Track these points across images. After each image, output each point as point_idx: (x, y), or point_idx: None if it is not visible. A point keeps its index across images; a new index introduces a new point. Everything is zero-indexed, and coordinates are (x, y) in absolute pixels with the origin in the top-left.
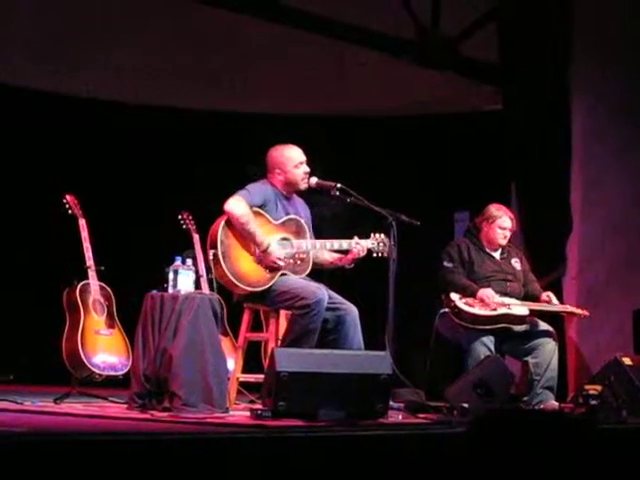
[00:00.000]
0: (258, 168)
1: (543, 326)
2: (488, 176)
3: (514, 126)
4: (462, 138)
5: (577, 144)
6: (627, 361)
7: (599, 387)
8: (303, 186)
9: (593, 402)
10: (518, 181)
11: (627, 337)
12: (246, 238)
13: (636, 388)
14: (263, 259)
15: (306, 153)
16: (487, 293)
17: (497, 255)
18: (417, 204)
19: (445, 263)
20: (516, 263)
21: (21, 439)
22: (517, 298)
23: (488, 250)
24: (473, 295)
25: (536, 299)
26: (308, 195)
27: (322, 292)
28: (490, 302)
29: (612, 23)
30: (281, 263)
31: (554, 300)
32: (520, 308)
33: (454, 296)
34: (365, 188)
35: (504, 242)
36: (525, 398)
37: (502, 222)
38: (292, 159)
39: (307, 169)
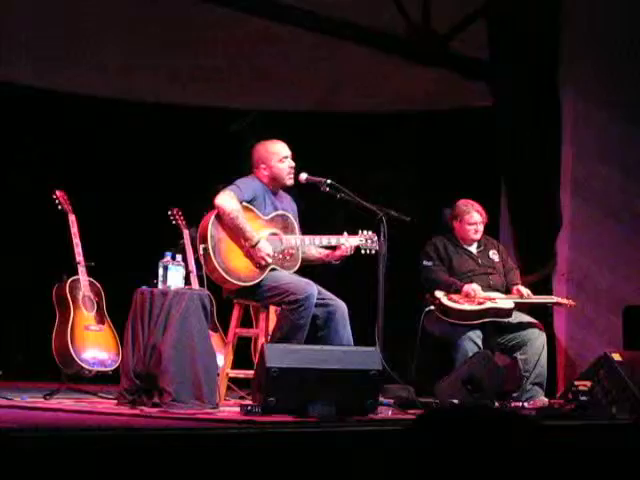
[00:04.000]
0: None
1: (530, 320)
2: (478, 172)
3: (504, 122)
4: (452, 134)
5: (566, 141)
6: (617, 357)
7: (589, 383)
8: (289, 182)
9: (583, 398)
10: (507, 177)
11: (617, 333)
12: (236, 233)
13: (625, 384)
14: (253, 254)
15: (297, 149)
16: (472, 287)
17: (474, 249)
18: (408, 200)
19: (425, 262)
20: (494, 255)
21: (11, 435)
22: (500, 290)
23: (465, 246)
24: (458, 291)
25: (509, 291)
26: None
27: (312, 288)
28: (475, 297)
29: (602, 20)
30: (269, 260)
31: (525, 293)
32: (506, 301)
33: (439, 294)
34: (355, 184)
35: (477, 236)
36: (514, 394)
37: (470, 218)
38: (277, 153)
39: (292, 163)
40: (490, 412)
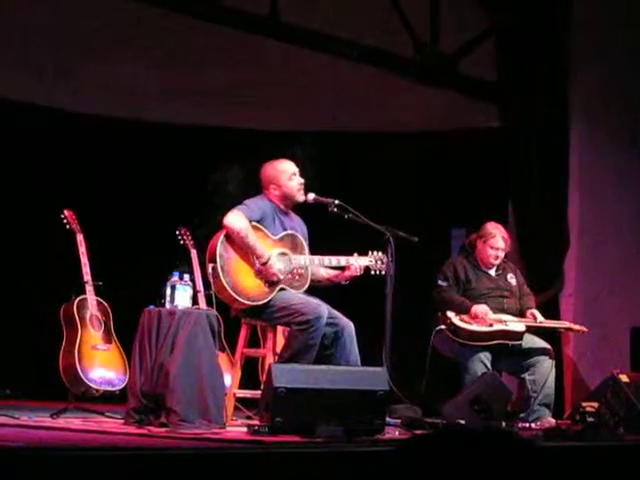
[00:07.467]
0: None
1: (540, 343)
2: (485, 192)
3: (512, 143)
4: (460, 155)
5: (574, 161)
6: (624, 378)
7: (596, 404)
8: (300, 198)
9: (590, 419)
10: (515, 197)
11: (624, 354)
12: (246, 251)
13: (633, 405)
14: (263, 272)
15: (304, 169)
16: (481, 309)
17: (493, 272)
18: (415, 220)
19: (439, 282)
20: (512, 279)
21: (18, 454)
22: (514, 314)
23: (484, 268)
24: (467, 311)
25: (523, 315)
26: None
27: (322, 308)
28: (485, 318)
29: (611, 42)
30: (281, 276)
31: (539, 318)
32: (517, 324)
33: (450, 313)
34: (363, 204)
35: (495, 262)
36: (522, 415)
37: (495, 242)
38: (285, 172)
39: (301, 180)
40: (484, 434)
